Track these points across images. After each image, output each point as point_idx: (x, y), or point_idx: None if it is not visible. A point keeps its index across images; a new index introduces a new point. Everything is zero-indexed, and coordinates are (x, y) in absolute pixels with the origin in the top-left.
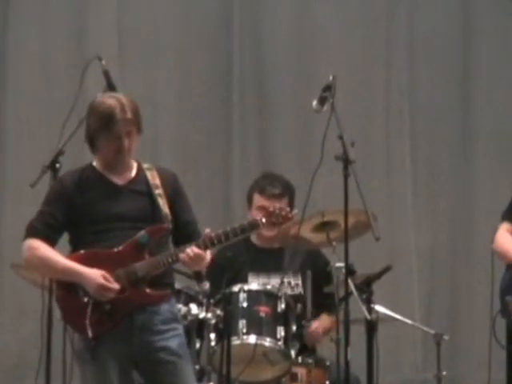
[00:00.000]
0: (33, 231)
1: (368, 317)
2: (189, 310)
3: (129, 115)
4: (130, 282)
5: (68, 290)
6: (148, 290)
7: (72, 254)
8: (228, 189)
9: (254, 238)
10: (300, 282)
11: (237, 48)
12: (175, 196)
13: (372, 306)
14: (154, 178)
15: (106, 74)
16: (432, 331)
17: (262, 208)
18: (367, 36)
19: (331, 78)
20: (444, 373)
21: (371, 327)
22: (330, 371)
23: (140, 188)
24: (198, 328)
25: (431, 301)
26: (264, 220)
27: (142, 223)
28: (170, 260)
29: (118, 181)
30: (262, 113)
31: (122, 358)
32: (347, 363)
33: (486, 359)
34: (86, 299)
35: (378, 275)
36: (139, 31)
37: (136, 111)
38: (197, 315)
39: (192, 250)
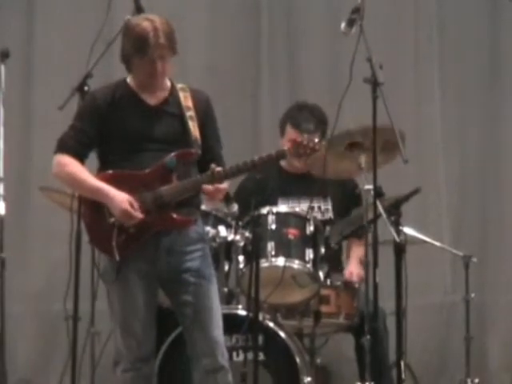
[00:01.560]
0: (64, 146)
1: (397, 239)
2: (217, 233)
3: (162, 40)
4: (156, 206)
5: (94, 208)
6: (174, 215)
7: (100, 173)
8: (257, 113)
9: (283, 163)
10: (330, 206)
11: None
12: (205, 119)
13: (400, 228)
14: (186, 100)
15: None
16: (460, 253)
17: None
18: None
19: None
20: (472, 295)
21: (400, 249)
22: (358, 294)
23: (172, 110)
24: (226, 250)
25: (460, 223)
26: (291, 150)
27: (172, 146)
28: (197, 187)
29: (151, 101)
30: (290, 35)
31: (148, 277)
32: (375, 285)
33: None
34: (111, 220)
35: (406, 197)
36: None
37: (170, 34)
38: (225, 237)
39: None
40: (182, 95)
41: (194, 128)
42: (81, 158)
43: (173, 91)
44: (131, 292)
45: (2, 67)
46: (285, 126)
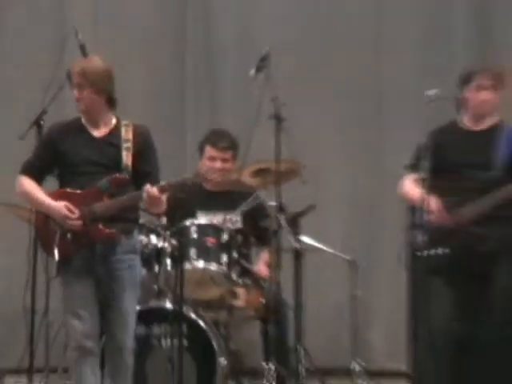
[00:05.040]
0: (23, 169)
1: (295, 246)
2: (149, 241)
3: (76, 69)
4: (90, 219)
5: (43, 219)
6: (100, 226)
7: (52, 191)
8: (182, 142)
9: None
10: (239, 218)
11: (190, 30)
12: (144, 148)
13: (298, 237)
14: (127, 134)
15: (82, 48)
16: (350, 258)
17: (212, 158)
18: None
19: (265, 51)
20: (359, 293)
21: (298, 254)
22: (265, 291)
23: (113, 141)
24: (156, 255)
25: (350, 233)
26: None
27: (109, 170)
28: (125, 204)
29: (96, 133)
30: (211, 79)
31: (86, 277)
32: (278, 283)
33: (394, 283)
34: (55, 228)
35: (303, 212)
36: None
37: (88, 73)
38: (156, 245)
39: (149, 190)
40: (123, 129)
41: (127, 157)
42: (37, 179)
43: (117, 126)
44: (72, 285)
45: None
46: (204, 147)
